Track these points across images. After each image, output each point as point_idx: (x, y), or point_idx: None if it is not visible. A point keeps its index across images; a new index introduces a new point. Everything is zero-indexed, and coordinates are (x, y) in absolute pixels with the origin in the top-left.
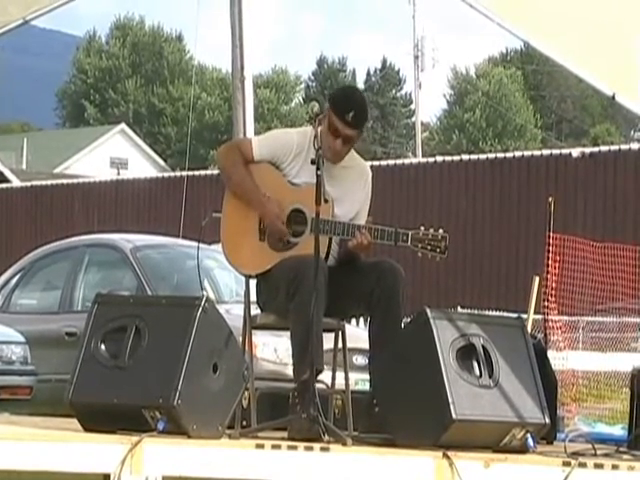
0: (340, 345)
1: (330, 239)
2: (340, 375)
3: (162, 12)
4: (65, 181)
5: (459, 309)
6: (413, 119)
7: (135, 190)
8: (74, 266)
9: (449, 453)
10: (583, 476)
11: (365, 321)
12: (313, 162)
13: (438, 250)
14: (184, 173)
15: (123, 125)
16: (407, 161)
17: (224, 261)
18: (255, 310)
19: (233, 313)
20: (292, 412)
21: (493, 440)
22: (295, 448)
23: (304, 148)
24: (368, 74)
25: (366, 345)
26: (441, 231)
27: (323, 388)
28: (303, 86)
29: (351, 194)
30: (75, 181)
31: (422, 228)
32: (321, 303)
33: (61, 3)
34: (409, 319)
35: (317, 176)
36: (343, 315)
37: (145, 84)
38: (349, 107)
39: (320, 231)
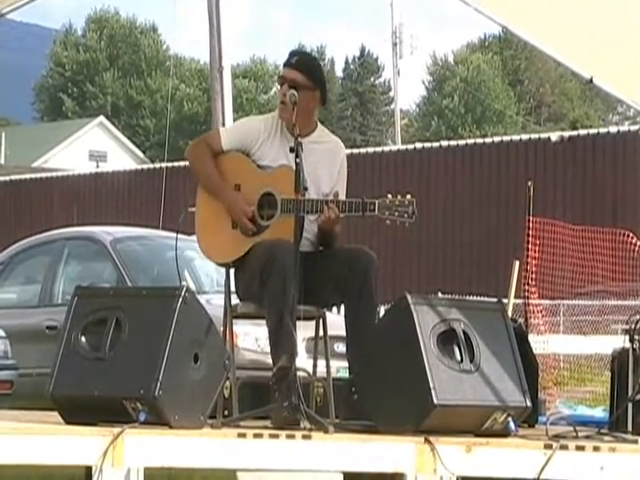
0: (321, 333)
1: (302, 220)
2: (321, 363)
3: (137, 3)
4: (44, 175)
5: (440, 294)
6: (392, 106)
7: (114, 183)
8: (54, 259)
9: (431, 438)
10: (565, 458)
11: (338, 308)
12: (292, 150)
13: (406, 215)
14: (163, 165)
15: (101, 118)
16: (386, 148)
17: None
18: (236, 300)
19: (214, 303)
20: (272, 399)
21: (475, 424)
22: (277, 437)
23: (272, 131)
24: (347, 62)
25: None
26: (408, 196)
27: (304, 376)
28: None
29: (322, 169)
30: (54, 175)
31: (389, 195)
32: (295, 286)
33: None
34: (390, 305)
35: (296, 164)
36: (322, 303)
37: (123, 76)
38: (294, 54)
39: (288, 211)
